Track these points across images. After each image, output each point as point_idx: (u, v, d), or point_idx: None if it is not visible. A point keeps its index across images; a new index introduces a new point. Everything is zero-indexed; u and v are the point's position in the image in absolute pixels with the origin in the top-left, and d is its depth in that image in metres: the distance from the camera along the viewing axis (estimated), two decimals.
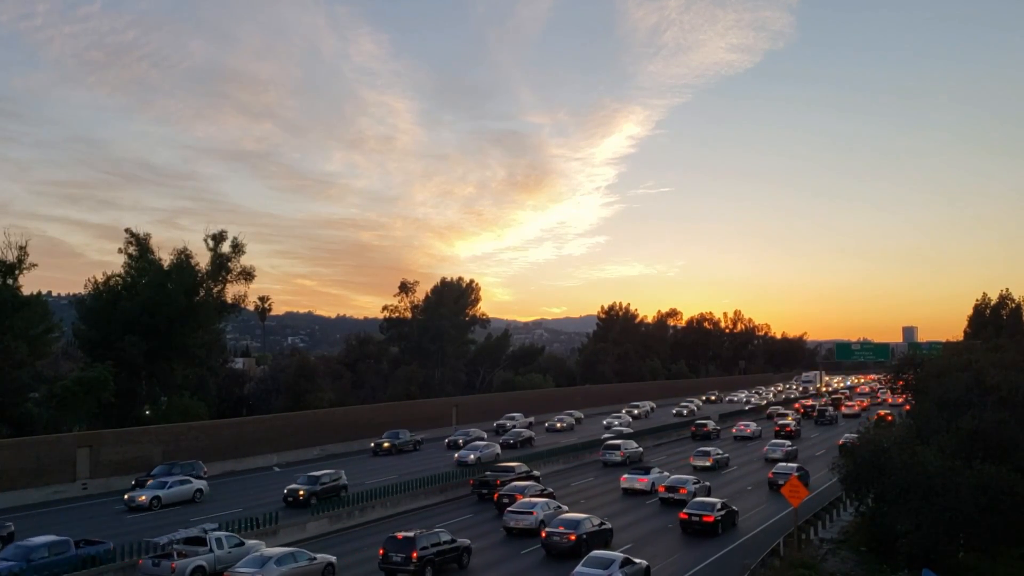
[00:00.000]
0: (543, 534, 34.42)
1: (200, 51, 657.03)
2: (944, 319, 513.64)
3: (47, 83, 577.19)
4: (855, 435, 45.84)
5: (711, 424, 79.93)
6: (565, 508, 39.95)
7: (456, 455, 60.38)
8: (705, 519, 37.96)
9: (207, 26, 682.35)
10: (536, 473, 51.06)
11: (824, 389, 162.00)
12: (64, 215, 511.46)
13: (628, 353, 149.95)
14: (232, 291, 73.91)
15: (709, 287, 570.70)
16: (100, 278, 69.48)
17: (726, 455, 62.30)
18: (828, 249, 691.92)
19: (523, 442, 70.35)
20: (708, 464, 58.03)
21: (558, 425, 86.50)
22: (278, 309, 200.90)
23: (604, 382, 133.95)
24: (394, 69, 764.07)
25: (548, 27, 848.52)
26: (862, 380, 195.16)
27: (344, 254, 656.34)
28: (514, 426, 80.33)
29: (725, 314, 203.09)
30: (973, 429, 35.40)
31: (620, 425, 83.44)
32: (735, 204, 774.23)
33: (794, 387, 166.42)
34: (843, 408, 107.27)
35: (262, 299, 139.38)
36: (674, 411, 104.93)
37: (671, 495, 45.38)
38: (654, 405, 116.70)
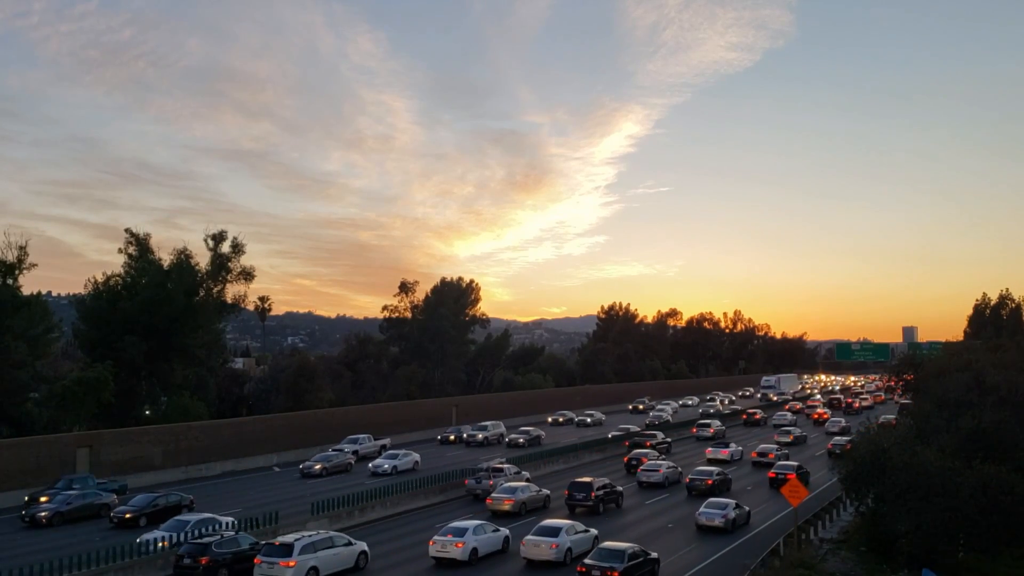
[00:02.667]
0: (687, 480, 48.15)
1: (197, 50, 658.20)
2: (944, 319, 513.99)
3: (44, 82, 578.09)
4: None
5: (760, 413, 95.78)
6: (679, 468, 52.36)
7: None
8: (788, 476, 45.81)
9: (204, 25, 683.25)
10: (668, 440, 68.27)
11: (779, 398, 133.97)
12: (63, 215, 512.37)
13: (628, 353, 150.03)
14: (232, 291, 74.20)
15: (709, 287, 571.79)
16: (100, 278, 69.81)
17: (804, 433, 75.96)
18: (828, 249, 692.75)
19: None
20: (789, 440, 70.79)
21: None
22: (278, 309, 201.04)
23: (604, 382, 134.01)
24: (392, 68, 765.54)
25: (547, 26, 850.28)
26: (862, 380, 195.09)
27: (343, 254, 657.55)
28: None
29: (725, 314, 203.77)
30: (973, 429, 35.31)
31: (400, 462, 56.34)
32: (735, 204, 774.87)
33: (758, 394, 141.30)
34: (857, 403, 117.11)
35: (262, 299, 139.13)
36: (510, 437, 72.92)
37: (761, 459, 58.90)
38: (551, 422, 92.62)
